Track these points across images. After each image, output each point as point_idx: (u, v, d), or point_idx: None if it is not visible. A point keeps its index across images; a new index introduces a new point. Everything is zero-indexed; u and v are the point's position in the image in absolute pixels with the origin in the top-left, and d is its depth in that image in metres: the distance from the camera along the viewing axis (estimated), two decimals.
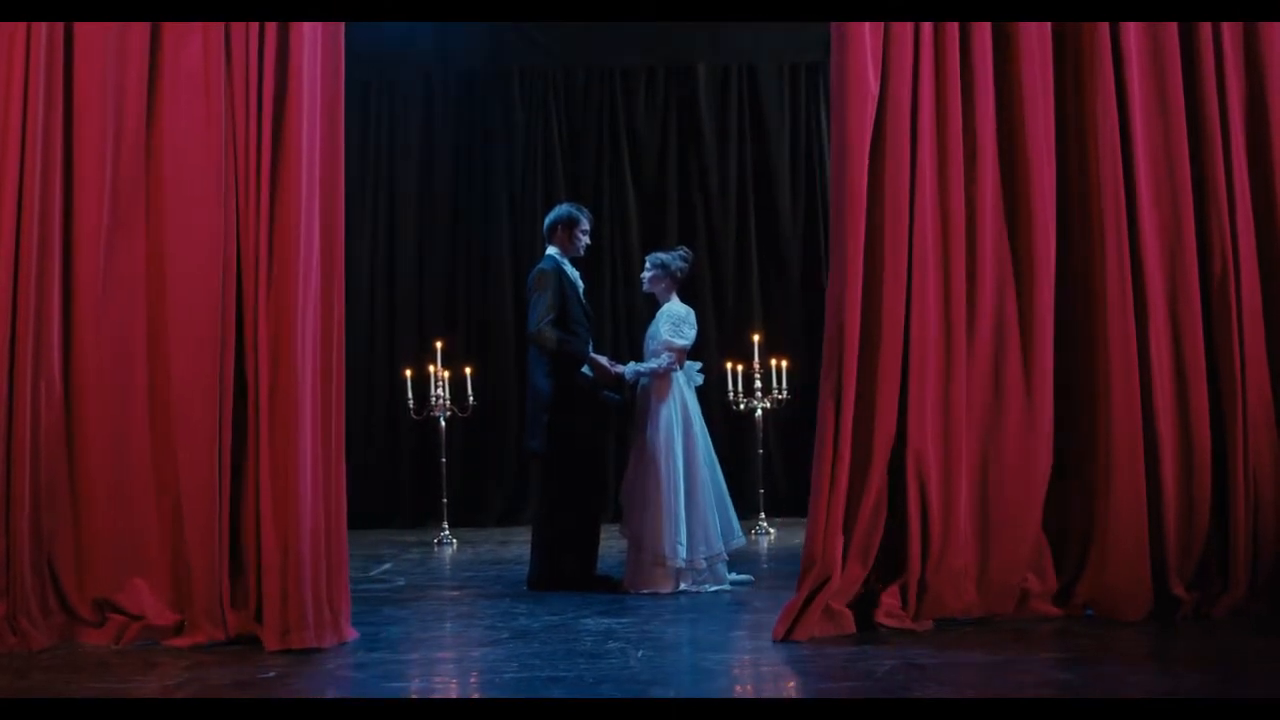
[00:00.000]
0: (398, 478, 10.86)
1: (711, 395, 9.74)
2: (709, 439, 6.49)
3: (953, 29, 5.04)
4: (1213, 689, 3.94)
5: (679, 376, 6.43)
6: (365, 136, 11.18)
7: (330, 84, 5.00)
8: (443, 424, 9.18)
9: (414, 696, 4.18)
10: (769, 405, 9.33)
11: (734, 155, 11.14)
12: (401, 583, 7.09)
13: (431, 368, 9.12)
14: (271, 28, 4.92)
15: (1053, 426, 5.11)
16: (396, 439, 10.80)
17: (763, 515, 9.38)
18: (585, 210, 6.89)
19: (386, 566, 7.88)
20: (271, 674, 4.46)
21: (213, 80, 5.00)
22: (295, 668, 4.55)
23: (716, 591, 6.20)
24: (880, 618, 4.89)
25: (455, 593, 6.69)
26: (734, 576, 6.45)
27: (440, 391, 9.05)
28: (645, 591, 6.19)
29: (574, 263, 6.78)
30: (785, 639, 4.80)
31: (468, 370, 9.30)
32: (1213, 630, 4.85)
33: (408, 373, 9.43)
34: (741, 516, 6.94)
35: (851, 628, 4.87)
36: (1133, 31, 5.11)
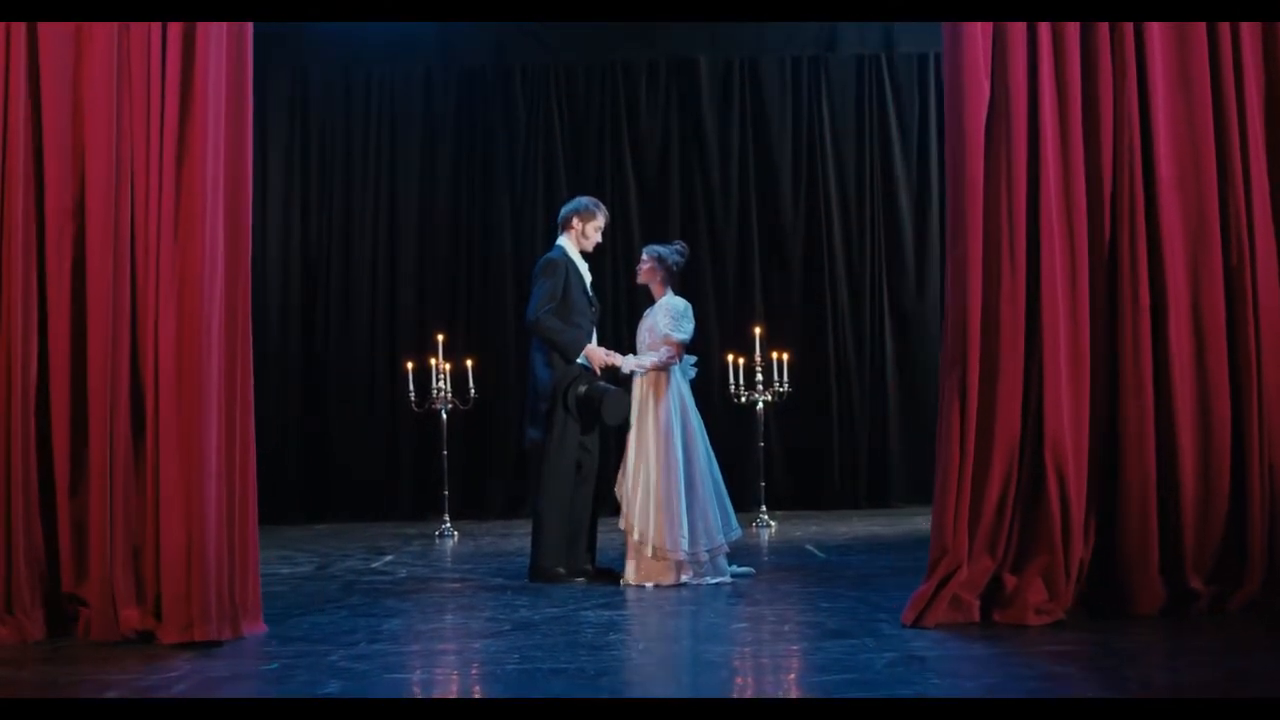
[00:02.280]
0: (399, 470, 10.91)
1: (713, 388, 9.79)
2: (705, 432, 6.50)
3: (1063, 25, 5.07)
4: (1209, 686, 3.94)
5: (675, 370, 6.45)
6: (367, 132, 11.22)
7: (235, 80, 5.03)
8: (444, 416, 9.20)
9: (416, 694, 4.20)
10: (770, 398, 9.34)
11: (735, 149, 11.16)
12: (403, 575, 7.11)
13: (433, 360, 9.14)
14: (176, 27, 4.93)
15: (1089, 413, 5.11)
16: (398, 432, 10.83)
17: (763, 508, 9.40)
18: (603, 207, 6.84)
19: (388, 559, 7.91)
20: (275, 665, 4.48)
21: (113, 78, 5.01)
22: (298, 660, 4.57)
23: (718, 584, 6.22)
24: (1030, 618, 4.84)
25: (456, 585, 6.71)
26: (735, 569, 6.47)
27: (442, 384, 9.07)
28: (646, 584, 6.21)
29: (583, 256, 6.76)
30: (914, 625, 4.85)
31: (469, 363, 9.32)
32: (1223, 625, 4.83)
33: (409, 365, 9.46)
34: (742, 509, 6.97)
35: (976, 617, 4.90)
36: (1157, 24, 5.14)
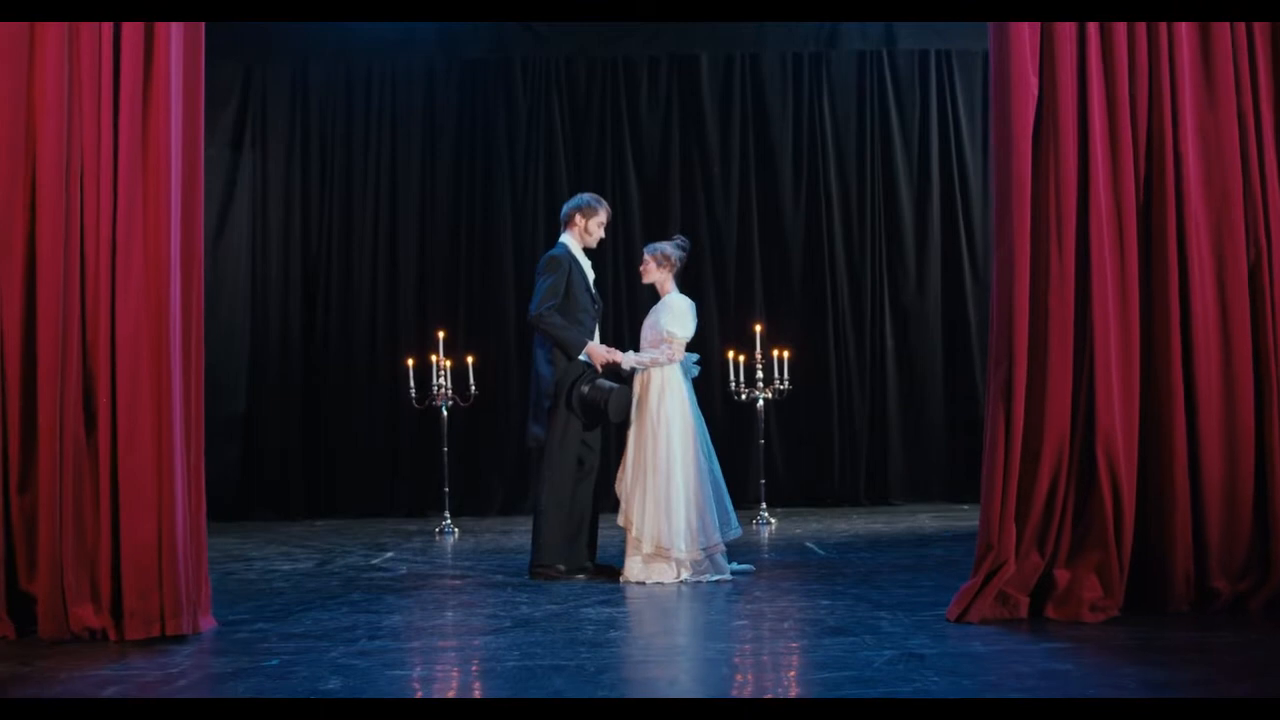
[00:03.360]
0: (399, 467, 10.92)
1: (713, 385, 9.80)
2: (706, 430, 6.50)
3: (1111, 24, 5.11)
4: (1210, 684, 3.95)
5: (677, 368, 6.45)
6: (367, 126, 11.21)
7: (190, 77, 5.06)
8: (444, 413, 9.21)
9: (416, 690, 4.21)
10: (770, 395, 9.35)
11: (736, 145, 11.16)
12: (403, 571, 7.12)
13: (433, 357, 9.14)
14: (133, 26, 4.95)
15: (1139, 410, 5.12)
16: (398, 428, 10.84)
17: (763, 505, 9.41)
18: (605, 203, 6.85)
19: (388, 555, 7.92)
20: (275, 661, 4.49)
21: (64, 77, 5.01)
22: (299, 656, 4.58)
23: (717, 581, 6.22)
24: (1085, 615, 4.87)
25: (457, 581, 6.72)
26: (735, 566, 6.48)
27: (442, 381, 9.07)
28: (646, 581, 6.22)
29: (585, 253, 6.78)
30: (959, 620, 4.90)
31: (469, 360, 9.33)
32: (1240, 624, 4.82)
33: (410, 362, 9.47)
34: (742, 507, 6.97)
35: (1024, 614, 4.93)
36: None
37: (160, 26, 4.97)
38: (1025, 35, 5.06)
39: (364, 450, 10.92)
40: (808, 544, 8.07)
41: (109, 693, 4.08)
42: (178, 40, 5.02)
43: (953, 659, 4.31)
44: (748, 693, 4.05)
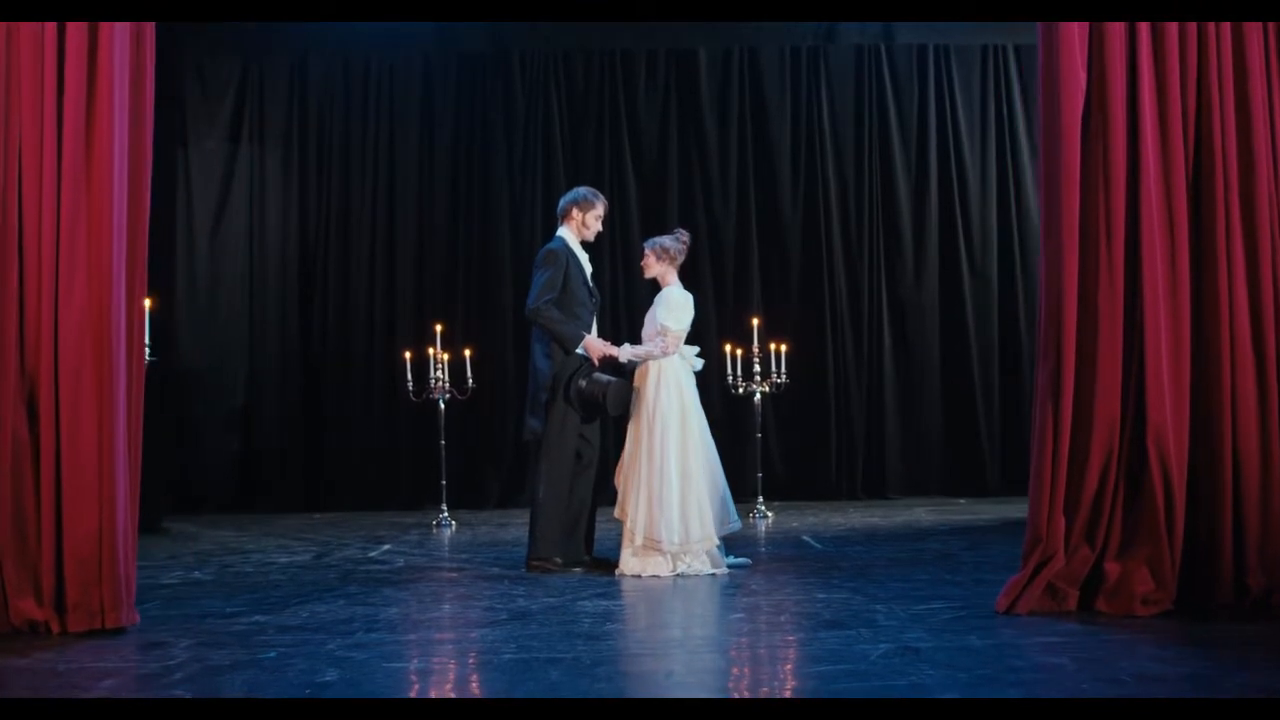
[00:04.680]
0: (397, 460, 10.92)
1: (710, 379, 9.80)
2: (706, 424, 6.51)
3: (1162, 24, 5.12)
4: (1199, 681, 3.96)
5: (677, 361, 6.45)
6: (365, 120, 11.21)
7: (136, 78, 5.05)
8: (442, 406, 9.22)
9: (413, 682, 4.22)
10: (768, 389, 9.37)
11: (734, 139, 11.16)
12: (400, 564, 7.13)
13: (430, 350, 9.15)
14: (77, 26, 4.92)
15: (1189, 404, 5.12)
16: (395, 421, 10.85)
17: (760, 498, 9.44)
18: (602, 196, 6.87)
19: (386, 548, 7.93)
20: (273, 654, 4.50)
21: (2, 76, 4.99)
22: (296, 649, 4.59)
23: (714, 574, 6.23)
24: (1137, 608, 4.88)
25: (454, 574, 6.73)
26: (731, 560, 6.49)
27: (439, 374, 9.08)
28: (642, 574, 6.23)
29: (583, 246, 6.79)
30: (1008, 612, 4.93)
31: (467, 353, 9.34)
32: (1256, 619, 4.82)
33: (407, 355, 9.49)
34: (739, 500, 6.98)
35: (1073, 606, 4.96)
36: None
37: (104, 26, 4.94)
38: (1074, 28, 5.05)
39: (361, 443, 10.93)
40: (804, 537, 8.08)
41: (107, 685, 4.09)
42: (122, 40, 4.99)
43: (948, 653, 4.33)
44: (744, 685, 4.06)
